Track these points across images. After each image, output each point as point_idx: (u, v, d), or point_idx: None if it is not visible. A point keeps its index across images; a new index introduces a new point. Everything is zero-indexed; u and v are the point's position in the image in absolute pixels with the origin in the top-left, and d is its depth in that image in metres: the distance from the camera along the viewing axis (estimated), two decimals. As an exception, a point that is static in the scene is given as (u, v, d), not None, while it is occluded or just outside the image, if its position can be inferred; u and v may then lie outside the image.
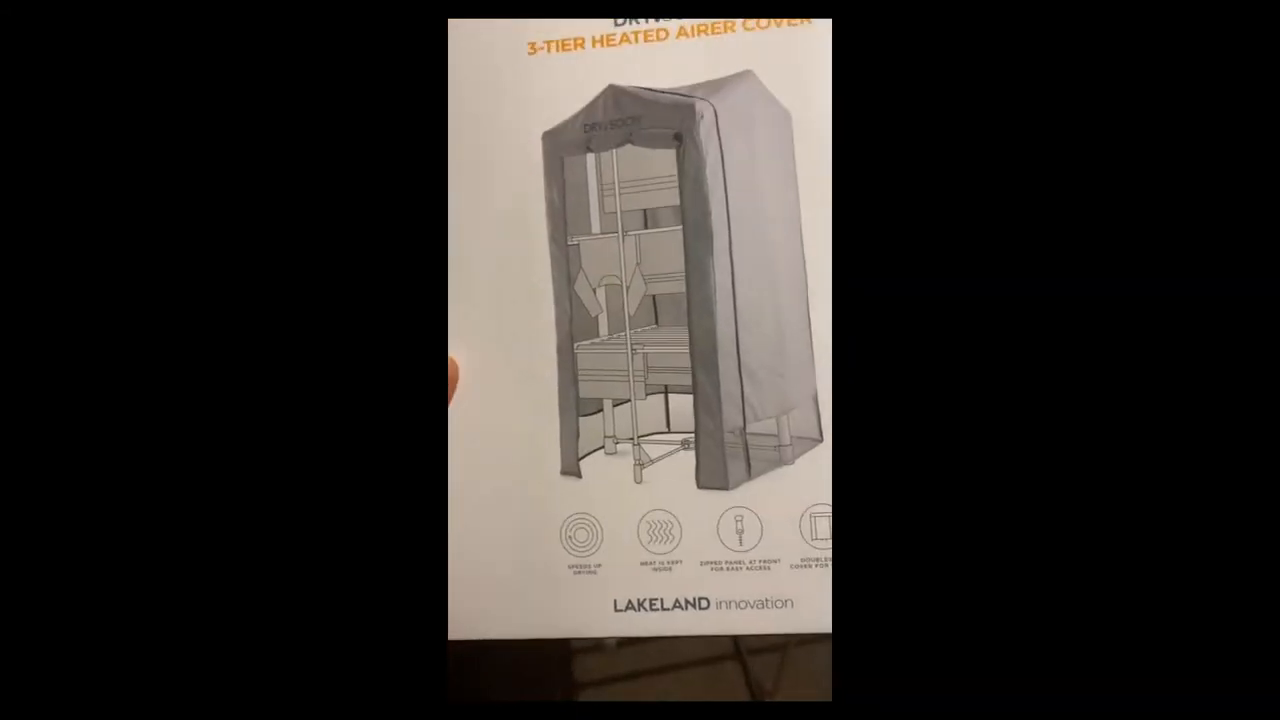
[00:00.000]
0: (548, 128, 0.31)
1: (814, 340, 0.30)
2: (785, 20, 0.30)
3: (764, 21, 0.31)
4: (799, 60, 0.30)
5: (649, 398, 0.34)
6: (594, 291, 0.33)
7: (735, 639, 0.51)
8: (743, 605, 0.29)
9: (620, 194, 0.34)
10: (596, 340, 0.33)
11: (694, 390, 0.31)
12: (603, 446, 0.32)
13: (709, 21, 0.31)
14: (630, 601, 0.30)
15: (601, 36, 0.31)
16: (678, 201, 0.31)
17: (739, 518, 0.29)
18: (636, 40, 0.31)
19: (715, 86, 0.30)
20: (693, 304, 0.31)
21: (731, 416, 0.31)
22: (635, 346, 0.34)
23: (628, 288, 0.34)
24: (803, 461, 0.30)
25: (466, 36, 0.31)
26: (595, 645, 0.59)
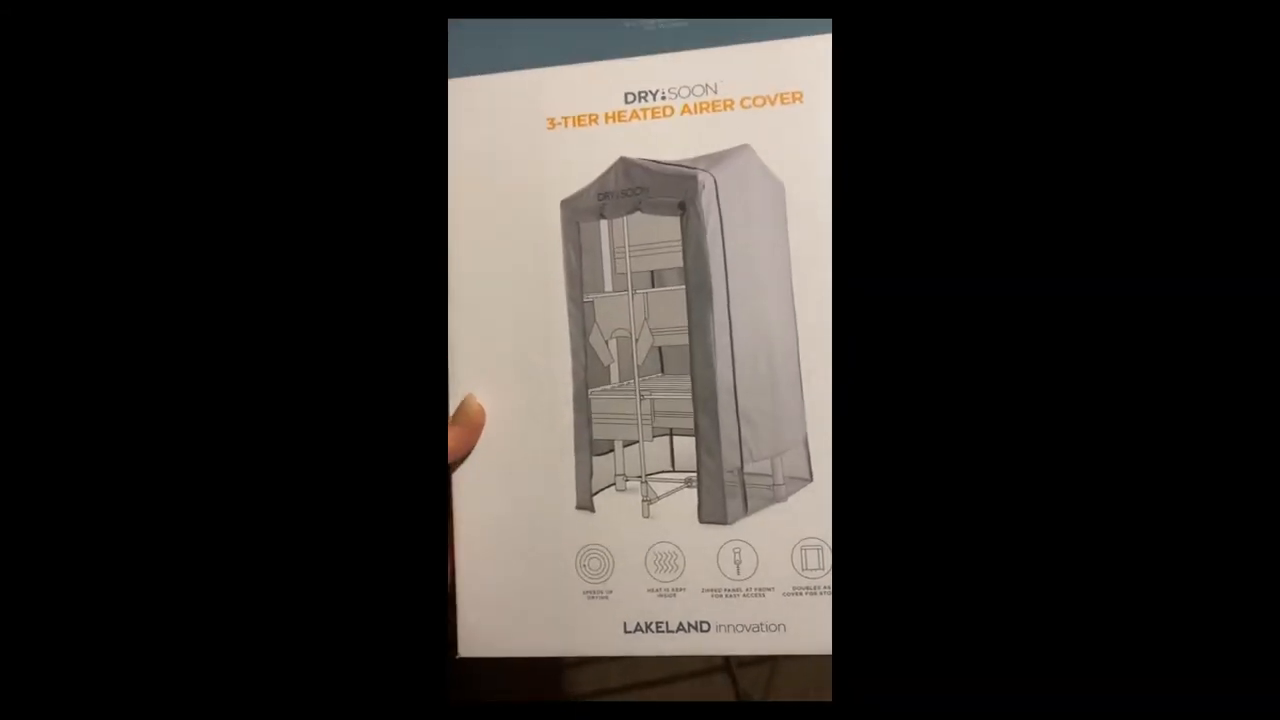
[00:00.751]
0: (565, 196, 0.33)
1: (803, 388, 0.32)
2: (780, 99, 0.33)
3: (760, 99, 0.33)
4: (792, 135, 0.32)
5: (656, 439, 0.36)
6: (606, 343, 0.35)
7: (728, 656, 0.54)
8: (739, 629, 0.32)
9: (630, 257, 0.37)
10: (608, 387, 0.35)
11: (696, 433, 0.33)
12: (614, 484, 0.34)
13: (710, 99, 0.34)
14: (638, 624, 0.32)
15: (614, 113, 0.34)
16: (682, 264, 0.34)
17: (737, 550, 0.32)
18: (645, 117, 0.34)
19: (716, 159, 0.33)
20: (695, 355, 0.33)
21: (730, 457, 0.33)
22: (643, 393, 0.36)
23: (636, 340, 0.36)
24: (794, 499, 0.32)
25: (492, 112, 0.34)
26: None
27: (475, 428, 0.33)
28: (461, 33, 0.36)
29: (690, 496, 0.33)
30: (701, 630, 0.32)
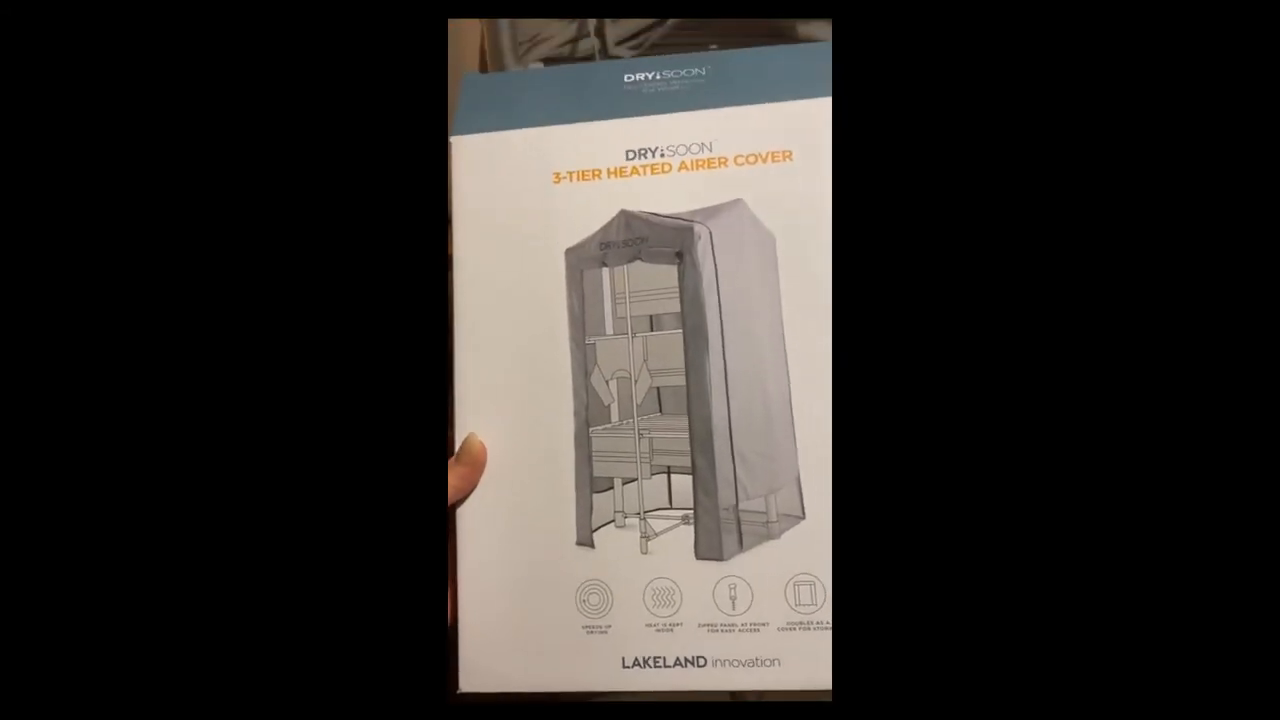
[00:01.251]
0: (569, 245, 0.35)
1: (795, 429, 0.33)
2: (770, 157, 0.36)
3: (751, 157, 0.36)
4: (783, 191, 0.34)
5: (654, 477, 0.36)
6: (607, 383, 0.37)
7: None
8: (736, 664, 0.32)
9: (630, 302, 0.38)
10: (608, 426, 0.36)
11: (693, 471, 0.34)
12: (613, 520, 0.35)
13: (705, 157, 0.36)
14: (637, 659, 0.33)
15: (615, 168, 0.36)
16: (679, 309, 0.35)
17: (732, 585, 0.33)
18: (645, 172, 0.36)
19: (711, 212, 0.35)
20: (691, 396, 0.35)
21: (726, 495, 0.34)
22: (642, 432, 0.37)
23: (636, 381, 0.37)
24: (788, 536, 0.33)
25: (502, 166, 0.36)
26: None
27: (478, 466, 0.34)
28: (473, 93, 0.39)
29: (687, 533, 0.34)
30: (698, 665, 0.32)
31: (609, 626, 0.33)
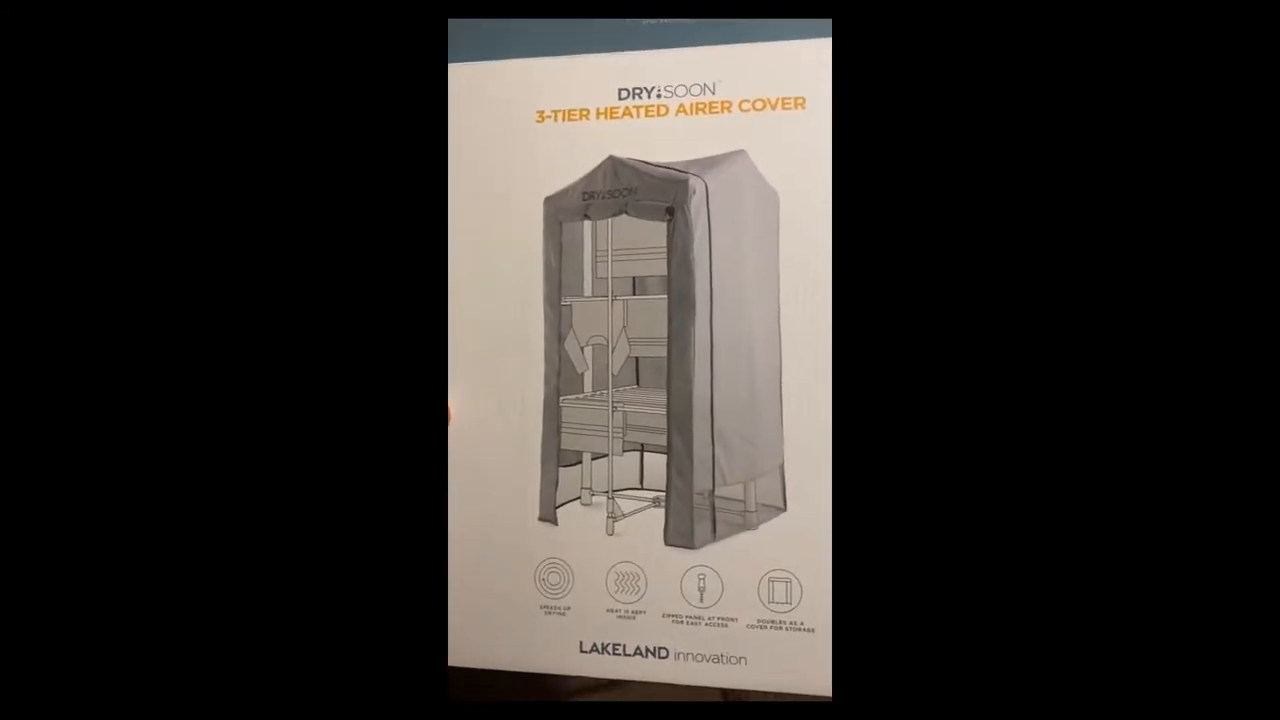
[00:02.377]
0: (550, 193, 0.32)
1: (784, 413, 0.30)
2: (781, 104, 0.31)
3: (759, 103, 0.32)
4: (792, 143, 0.31)
5: (626, 454, 0.34)
6: (582, 350, 0.34)
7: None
8: (699, 658, 0.30)
9: (613, 260, 0.35)
10: (581, 396, 0.34)
11: (668, 451, 0.32)
12: (579, 497, 0.33)
13: (707, 100, 0.32)
14: (595, 645, 0.31)
15: (606, 109, 0.32)
16: (666, 272, 0.32)
17: (701, 576, 0.31)
18: (638, 115, 0.32)
19: (709, 164, 0.31)
20: (672, 369, 0.32)
21: (702, 479, 0.32)
22: (616, 404, 0.34)
23: (613, 349, 0.35)
24: (766, 528, 0.31)
25: (479, 101, 0.33)
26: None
27: (441, 427, 0.32)
28: (453, 20, 0.35)
29: (657, 516, 0.32)
30: (659, 656, 0.31)
31: (568, 608, 0.31)
